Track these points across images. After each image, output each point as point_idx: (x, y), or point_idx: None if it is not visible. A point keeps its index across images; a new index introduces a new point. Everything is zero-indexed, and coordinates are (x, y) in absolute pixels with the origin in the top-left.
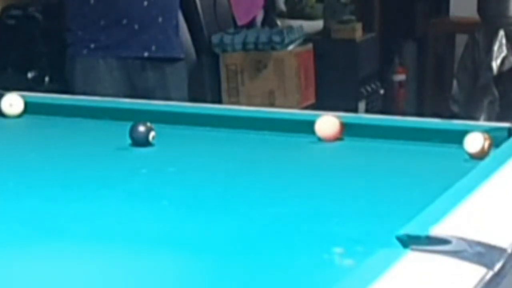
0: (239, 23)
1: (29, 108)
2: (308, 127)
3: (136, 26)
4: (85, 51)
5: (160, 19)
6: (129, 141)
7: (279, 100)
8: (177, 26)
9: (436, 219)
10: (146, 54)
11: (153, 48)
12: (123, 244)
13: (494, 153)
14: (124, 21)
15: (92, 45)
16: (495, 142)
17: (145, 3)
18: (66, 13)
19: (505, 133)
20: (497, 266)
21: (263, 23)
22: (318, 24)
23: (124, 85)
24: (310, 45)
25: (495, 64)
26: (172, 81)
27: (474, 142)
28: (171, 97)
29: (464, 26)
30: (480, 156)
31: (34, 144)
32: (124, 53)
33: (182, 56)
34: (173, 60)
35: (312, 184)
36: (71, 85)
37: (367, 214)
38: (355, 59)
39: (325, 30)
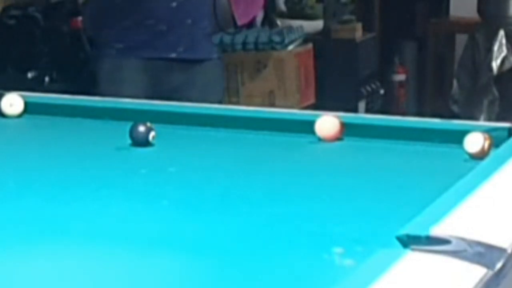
0: (239, 23)
1: (29, 108)
2: (308, 127)
3: (163, 27)
4: (110, 52)
5: (189, 21)
6: (129, 141)
7: (279, 100)
8: (208, 28)
9: (436, 219)
10: (173, 55)
11: (181, 49)
12: (123, 244)
13: (494, 153)
14: (151, 22)
15: (118, 46)
16: (495, 142)
17: (174, 4)
18: (91, 12)
19: (505, 133)
20: (497, 266)
21: (263, 23)
22: (318, 24)
23: (150, 86)
24: (310, 45)
25: (495, 64)
26: (198, 81)
27: (474, 142)
28: (198, 98)
29: (464, 26)
30: (480, 156)
31: (34, 144)
32: (149, 54)
33: (213, 56)
34: (201, 61)
35: (312, 184)
36: (96, 86)
37: (367, 214)
38: (355, 59)
39: (325, 30)
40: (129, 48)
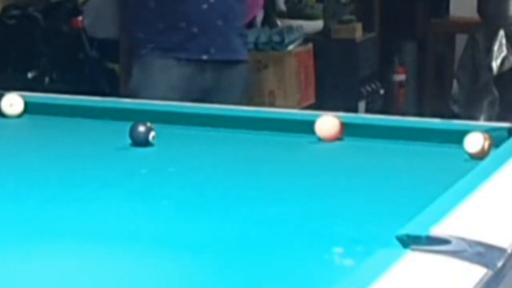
0: None
1: (29, 108)
2: (308, 127)
3: (195, 29)
4: (143, 51)
5: (220, 22)
6: (129, 141)
7: (279, 100)
8: (241, 28)
9: (436, 219)
10: (205, 57)
11: (212, 50)
12: (123, 244)
13: (494, 153)
14: (183, 24)
15: (151, 46)
16: (495, 142)
17: (205, 6)
18: (127, 15)
19: (505, 133)
20: (497, 266)
21: (263, 23)
22: (318, 24)
23: (182, 88)
24: (310, 45)
25: (495, 64)
26: (229, 82)
27: (474, 142)
28: (228, 99)
29: (464, 26)
30: (480, 156)
31: (34, 144)
32: (182, 55)
33: (243, 58)
34: (233, 62)
35: (312, 184)
36: (130, 82)
37: (367, 214)
38: (355, 59)
39: (325, 30)
40: (161, 50)
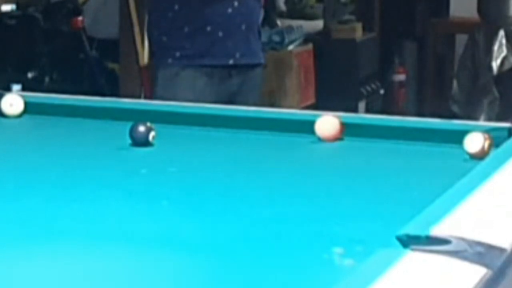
0: None
1: (29, 108)
2: (308, 127)
3: (220, 33)
4: (169, 60)
5: (243, 27)
6: (129, 141)
7: (279, 100)
8: (259, 32)
9: (436, 219)
10: (231, 61)
11: (237, 55)
12: (123, 244)
13: (494, 153)
14: (208, 28)
15: (177, 54)
16: (495, 142)
17: (229, 10)
18: (150, 18)
19: (505, 133)
20: (497, 266)
21: (263, 23)
22: (318, 24)
23: (209, 94)
24: (310, 45)
25: (495, 64)
26: (250, 85)
27: (474, 142)
28: (249, 102)
29: (464, 26)
30: (480, 156)
31: (34, 144)
32: (209, 61)
33: (262, 61)
34: (254, 65)
35: (312, 184)
36: (155, 93)
37: (367, 214)
38: (355, 59)
39: (325, 30)
40: (187, 56)
